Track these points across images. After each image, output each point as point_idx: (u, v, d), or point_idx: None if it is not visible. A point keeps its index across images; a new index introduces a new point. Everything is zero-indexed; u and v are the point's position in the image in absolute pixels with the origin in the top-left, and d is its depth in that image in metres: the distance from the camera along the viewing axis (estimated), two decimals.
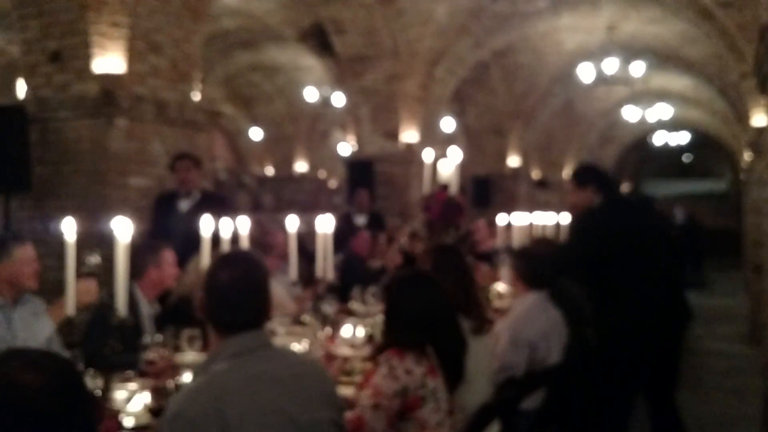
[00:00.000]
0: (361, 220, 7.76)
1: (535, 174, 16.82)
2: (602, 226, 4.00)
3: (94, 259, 3.06)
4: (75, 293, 2.64)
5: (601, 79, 11.52)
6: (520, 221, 6.00)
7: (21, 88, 6.98)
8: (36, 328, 3.19)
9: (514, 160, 14.61)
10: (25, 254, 3.25)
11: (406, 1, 9.08)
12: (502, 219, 6.10)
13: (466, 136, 14.37)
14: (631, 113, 15.91)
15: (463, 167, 7.42)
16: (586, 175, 4.27)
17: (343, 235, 4.14)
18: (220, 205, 5.23)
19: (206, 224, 3.28)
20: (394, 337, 2.71)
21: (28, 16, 5.83)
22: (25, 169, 5.66)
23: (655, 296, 3.91)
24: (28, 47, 5.89)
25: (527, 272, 3.88)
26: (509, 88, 13.50)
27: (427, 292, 2.78)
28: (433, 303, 2.75)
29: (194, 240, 3.74)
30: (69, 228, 2.66)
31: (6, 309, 3.21)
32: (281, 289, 4.22)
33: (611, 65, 11.18)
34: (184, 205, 5.44)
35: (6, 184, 5.68)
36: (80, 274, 2.70)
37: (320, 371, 2.20)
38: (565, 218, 6.89)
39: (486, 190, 13.87)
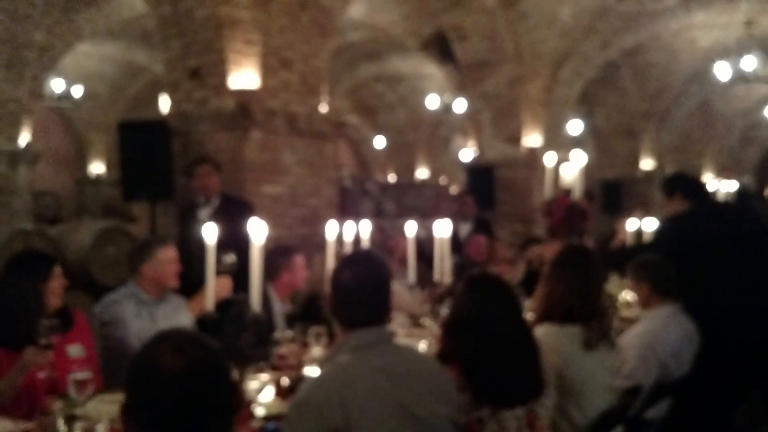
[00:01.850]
0: (465, 227, 7.61)
1: None
2: (679, 236, 3.82)
3: (230, 258, 3.32)
4: (213, 289, 2.84)
5: (740, 77, 10.89)
6: (653, 227, 5.61)
7: (164, 104, 7.54)
8: (177, 323, 3.47)
9: (647, 163, 14.00)
10: (168, 255, 3.56)
11: (529, 4, 8.99)
12: (632, 224, 5.84)
13: (594, 138, 13.92)
14: None
15: (591, 171, 7.23)
16: (672, 184, 4.21)
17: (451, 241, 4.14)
18: (242, 209, 5.00)
19: (331, 227, 3.42)
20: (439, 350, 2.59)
21: (171, 37, 6.27)
22: (169, 179, 6.10)
23: (755, 310, 3.63)
24: (170, 65, 6.35)
25: (656, 282, 3.62)
26: (641, 88, 13.01)
27: (475, 297, 2.52)
28: (482, 306, 2.48)
29: (219, 247, 3.81)
30: (209, 232, 2.87)
31: (150, 305, 3.52)
32: (401, 288, 4.30)
33: (750, 63, 10.54)
34: (204, 213, 5.10)
35: (151, 192, 6.16)
36: (217, 272, 2.93)
37: (438, 369, 2.25)
38: None
39: (616, 194, 13.28)
